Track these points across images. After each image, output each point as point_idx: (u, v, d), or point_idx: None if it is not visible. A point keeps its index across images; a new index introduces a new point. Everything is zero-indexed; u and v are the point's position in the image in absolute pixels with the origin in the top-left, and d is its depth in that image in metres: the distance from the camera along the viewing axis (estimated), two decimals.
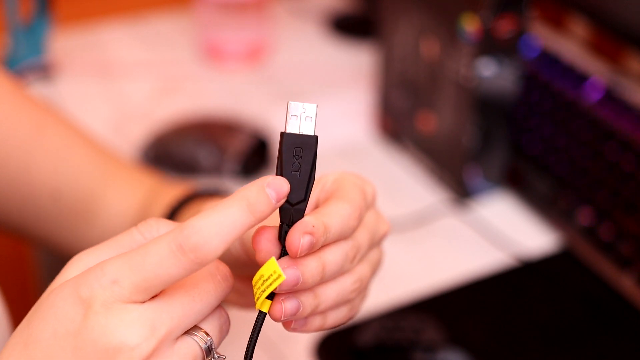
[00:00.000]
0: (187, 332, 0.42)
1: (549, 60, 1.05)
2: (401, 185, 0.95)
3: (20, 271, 1.31)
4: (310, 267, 0.46)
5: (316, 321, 0.49)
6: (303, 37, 1.25)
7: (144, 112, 1.07)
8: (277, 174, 0.45)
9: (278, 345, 0.75)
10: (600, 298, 0.80)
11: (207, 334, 0.42)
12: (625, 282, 0.80)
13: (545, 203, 0.90)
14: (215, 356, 0.43)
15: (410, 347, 0.72)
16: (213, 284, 0.42)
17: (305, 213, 0.46)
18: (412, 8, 0.92)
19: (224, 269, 0.43)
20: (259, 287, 0.45)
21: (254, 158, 0.95)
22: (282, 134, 0.45)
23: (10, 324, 0.61)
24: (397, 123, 1.00)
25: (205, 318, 0.42)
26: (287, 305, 0.46)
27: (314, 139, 0.45)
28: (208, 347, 0.42)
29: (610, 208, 0.86)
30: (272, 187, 0.42)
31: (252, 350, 0.46)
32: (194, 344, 0.42)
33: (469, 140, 0.89)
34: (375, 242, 0.52)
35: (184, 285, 0.41)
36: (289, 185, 0.43)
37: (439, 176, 0.95)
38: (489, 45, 0.85)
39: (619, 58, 1.08)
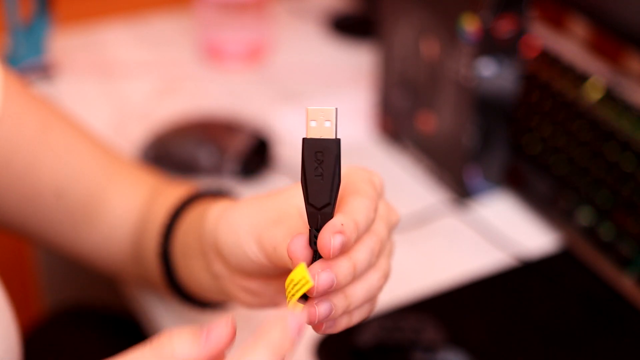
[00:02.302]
0: None
1: (549, 60, 1.05)
2: (401, 185, 0.95)
3: (20, 271, 1.31)
4: (343, 268, 0.47)
5: (344, 320, 0.50)
6: (303, 37, 1.25)
7: (144, 112, 1.07)
8: (301, 180, 0.46)
9: None
10: (600, 298, 0.80)
11: None
12: (625, 282, 0.80)
13: (545, 203, 0.90)
14: None
15: (410, 347, 0.72)
16: None
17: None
18: (412, 8, 0.92)
19: None
20: (290, 291, 0.46)
21: (254, 158, 0.95)
22: (303, 140, 0.46)
23: (13, 322, 0.61)
24: (397, 123, 1.00)
25: None
26: (320, 309, 0.47)
27: (334, 142, 0.46)
28: None
29: (610, 208, 0.86)
30: (292, 320, 0.43)
31: None
32: None
33: (469, 140, 0.89)
34: (390, 233, 0.53)
35: None
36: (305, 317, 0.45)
37: (439, 176, 0.95)
38: (489, 45, 0.85)
39: (619, 58, 1.08)
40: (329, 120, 0.46)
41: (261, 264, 0.54)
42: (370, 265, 0.49)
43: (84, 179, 0.71)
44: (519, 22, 0.85)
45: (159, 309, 0.78)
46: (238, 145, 0.95)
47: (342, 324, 0.50)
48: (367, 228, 0.48)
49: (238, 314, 0.77)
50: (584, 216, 0.86)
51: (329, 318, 0.48)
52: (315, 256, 0.47)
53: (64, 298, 1.14)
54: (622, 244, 0.82)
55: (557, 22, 1.16)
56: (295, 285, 0.46)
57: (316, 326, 0.49)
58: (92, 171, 0.71)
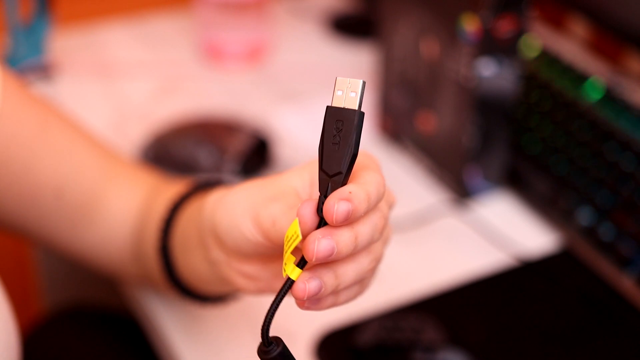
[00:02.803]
0: None
1: (549, 60, 1.05)
2: (401, 185, 0.95)
3: (20, 271, 1.31)
4: (344, 237, 0.47)
5: (329, 300, 0.50)
6: (303, 37, 1.25)
7: (144, 112, 1.07)
8: (319, 146, 0.46)
9: None
10: (600, 298, 0.80)
11: None
12: (625, 282, 0.80)
13: (545, 203, 0.90)
14: None
15: (410, 347, 0.72)
16: None
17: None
18: (412, 8, 0.92)
19: None
20: (285, 248, 0.46)
21: (254, 158, 0.95)
22: (327, 108, 0.46)
23: (13, 321, 0.61)
24: (397, 123, 1.00)
25: None
26: (310, 286, 0.47)
27: (355, 113, 0.46)
28: None
29: (610, 208, 0.86)
30: None
31: (273, 314, 0.47)
32: None
33: (469, 140, 0.89)
34: (389, 213, 0.53)
35: None
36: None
37: (439, 176, 0.95)
38: (489, 45, 0.85)
39: (619, 58, 1.08)
40: (354, 92, 0.46)
41: (258, 242, 0.53)
42: (372, 241, 0.49)
43: (83, 179, 0.71)
44: (519, 22, 0.85)
45: (158, 308, 0.78)
46: (238, 145, 0.95)
47: (327, 303, 0.50)
48: (378, 201, 0.48)
49: (237, 311, 0.77)
50: (584, 216, 0.86)
51: (317, 296, 0.48)
52: (321, 224, 0.47)
53: (64, 298, 1.14)
54: (622, 244, 0.82)
55: (557, 22, 1.16)
56: (288, 240, 0.46)
57: (300, 302, 0.49)
58: (91, 171, 0.71)
